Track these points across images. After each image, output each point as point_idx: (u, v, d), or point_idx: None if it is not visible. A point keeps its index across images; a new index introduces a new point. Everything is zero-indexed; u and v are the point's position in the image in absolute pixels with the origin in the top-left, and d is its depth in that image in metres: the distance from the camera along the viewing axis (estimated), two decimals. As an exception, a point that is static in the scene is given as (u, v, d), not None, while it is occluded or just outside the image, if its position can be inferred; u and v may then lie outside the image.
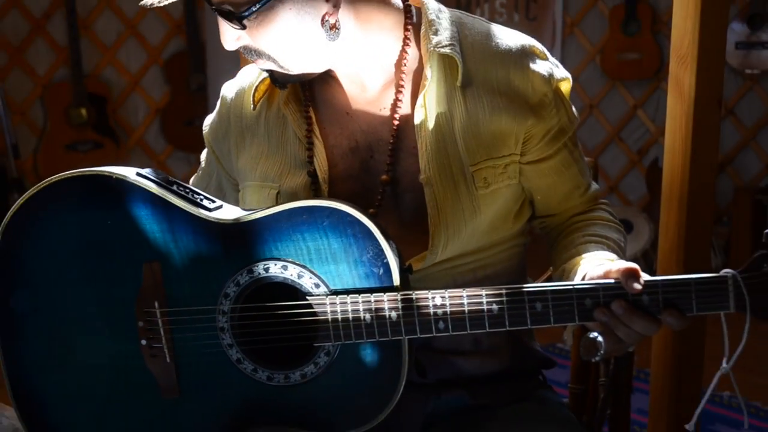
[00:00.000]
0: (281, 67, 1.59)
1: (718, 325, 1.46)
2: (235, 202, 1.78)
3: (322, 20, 1.56)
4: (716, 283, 1.38)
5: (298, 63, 1.60)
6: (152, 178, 1.57)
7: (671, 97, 2.22)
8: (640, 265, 3.79)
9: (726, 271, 1.38)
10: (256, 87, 1.75)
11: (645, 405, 2.38)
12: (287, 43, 1.56)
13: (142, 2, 1.56)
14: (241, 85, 1.84)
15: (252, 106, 1.76)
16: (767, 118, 5.68)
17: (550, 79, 1.69)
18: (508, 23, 5.88)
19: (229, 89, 1.87)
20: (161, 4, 1.59)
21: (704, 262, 2.24)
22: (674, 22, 2.18)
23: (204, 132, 1.94)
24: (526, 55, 1.69)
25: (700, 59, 2.15)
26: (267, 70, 1.63)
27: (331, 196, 1.63)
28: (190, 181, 1.95)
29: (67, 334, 1.60)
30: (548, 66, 1.70)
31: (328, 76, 1.69)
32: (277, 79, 1.63)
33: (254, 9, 1.49)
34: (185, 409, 1.60)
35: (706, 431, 3.49)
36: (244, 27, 1.53)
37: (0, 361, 1.64)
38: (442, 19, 1.67)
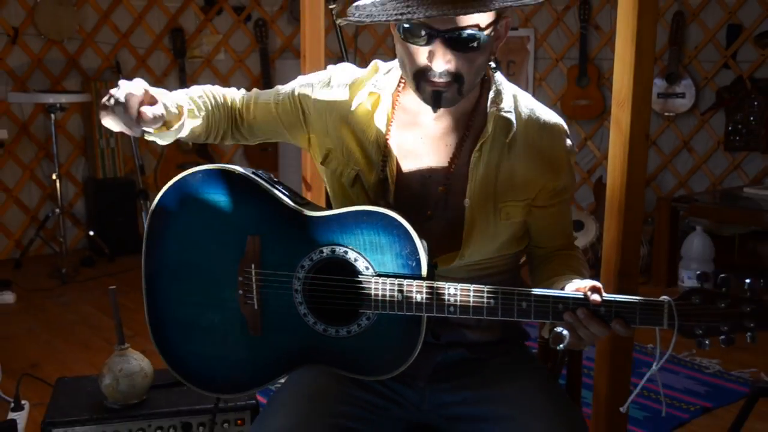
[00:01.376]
0: (462, 92, 1.53)
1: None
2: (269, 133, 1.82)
3: (489, 57, 1.57)
4: (655, 305, 1.39)
5: (472, 88, 1.58)
6: (263, 177, 1.62)
7: (612, 132, 2.22)
8: (588, 255, 3.80)
9: (664, 298, 1.39)
10: (361, 99, 1.65)
11: (592, 354, 2.38)
12: (479, 70, 1.54)
13: (339, 21, 1.49)
14: (354, 79, 1.70)
15: (349, 107, 1.67)
16: (680, 148, 5.69)
17: (569, 151, 1.71)
18: (496, 77, 5.90)
19: (343, 75, 1.72)
20: (363, 22, 1.46)
21: (635, 252, 2.24)
22: (615, 78, 2.19)
23: (297, 89, 1.75)
24: (558, 131, 1.70)
25: (634, 104, 2.15)
26: (436, 92, 1.50)
27: (396, 196, 1.65)
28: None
29: (189, 279, 1.64)
30: (569, 141, 1.72)
31: (419, 107, 1.62)
32: (442, 101, 1.52)
33: (486, 36, 1.47)
34: (263, 344, 1.63)
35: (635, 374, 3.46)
36: (474, 50, 1.46)
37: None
38: (505, 90, 1.66)
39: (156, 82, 5.79)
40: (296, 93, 1.74)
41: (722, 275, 1.38)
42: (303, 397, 1.56)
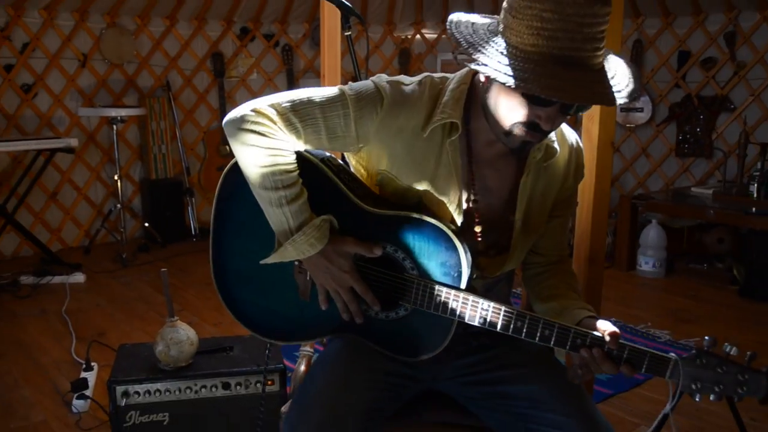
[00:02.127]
0: (548, 140, 1.48)
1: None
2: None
3: None
4: (663, 360, 1.33)
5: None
6: (330, 164, 1.53)
7: (584, 140, 2.21)
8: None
9: (671, 355, 1.33)
10: (436, 124, 1.44)
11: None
12: None
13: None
14: (411, 100, 1.46)
15: (423, 128, 1.45)
16: (639, 154, 5.68)
17: (583, 167, 1.66)
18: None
19: (395, 96, 1.46)
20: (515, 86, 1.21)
21: (602, 241, 2.24)
22: (585, 94, 2.18)
23: (352, 103, 1.44)
24: (580, 149, 1.64)
25: (601, 118, 2.15)
26: (527, 142, 1.38)
27: (466, 214, 1.53)
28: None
29: (253, 238, 1.58)
30: (583, 158, 1.66)
31: (481, 135, 1.49)
32: (528, 146, 1.45)
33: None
34: (310, 308, 1.58)
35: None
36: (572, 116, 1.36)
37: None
38: None
39: (199, 98, 5.84)
40: (354, 124, 1.44)
41: (727, 344, 1.32)
42: (341, 379, 1.50)
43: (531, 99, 1.29)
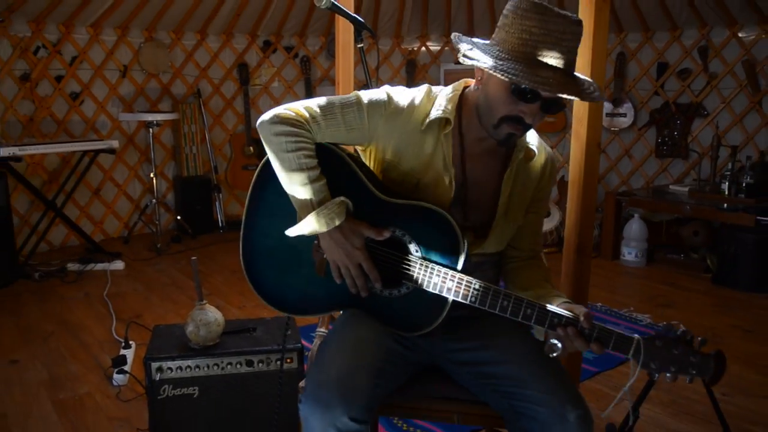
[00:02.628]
0: (529, 144, 1.60)
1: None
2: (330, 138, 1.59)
3: None
4: (628, 339, 1.39)
5: None
6: (355, 160, 1.58)
7: (573, 142, 2.19)
8: (553, 236, 3.78)
9: (635, 336, 1.39)
10: (432, 119, 1.54)
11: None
12: None
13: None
14: (414, 102, 1.57)
15: (422, 123, 1.55)
16: (623, 154, 5.63)
17: (556, 174, 1.77)
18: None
19: (401, 96, 1.58)
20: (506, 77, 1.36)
21: (589, 233, 2.21)
22: (575, 102, 2.15)
23: (364, 103, 1.56)
24: (554, 158, 1.73)
25: (589, 121, 2.13)
26: (512, 134, 1.48)
27: (455, 196, 1.60)
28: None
29: (277, 221, 1.59)
30: (556, 168, 1.74)
31: (472, 132, 1.59)
32: (513, 139, 1.52)
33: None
34: (324, 284, 1.60)
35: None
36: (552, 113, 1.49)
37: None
38: None
39: (226, 104, 5.83)
40: (367, 118, 1.55)
41: (683, 329, 1.39)
42: (349, 346, 1.52)
43: (518, 96, 1.42)
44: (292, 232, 1.53)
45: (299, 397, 1.44)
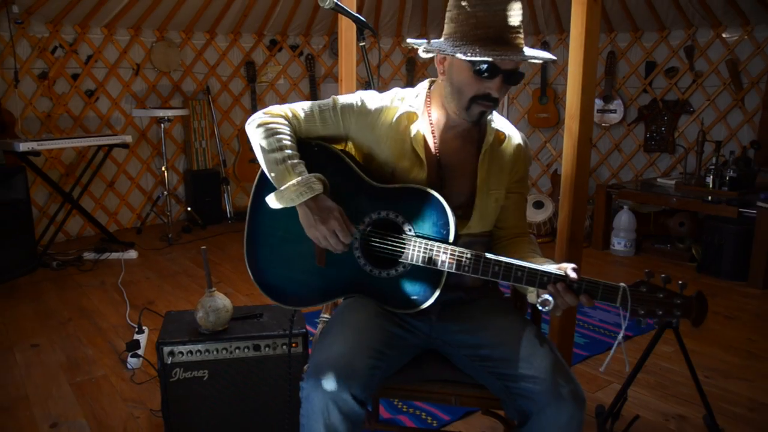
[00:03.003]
0: (498, 128, 1.63)
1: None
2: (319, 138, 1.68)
3: None
4: (614, 288, 1.40)
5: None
6: (348, 155, 1.64)
7: (566, 137, 2.18)
8: (546, 227, 3.76)
9: (621, 284, 1.40)
10: (400, 114, 1.63)
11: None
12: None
13: None
14: (383, 104, 1.65)
15: (392, 120, 1.62)
16: (613, 149, 5.62)
17: (529, 154, 1.75)
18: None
19: (370, 97, 1.66)
20: (447, 53, 1.47)
21: (581, 224, 2.21)
22: (567, 98, 2.15)
23: (339, 103, 1.65)
24: (524, 140, 1.74)
25: (581, 117, 2.12)
26: (483, 112, 1.54)
27: (432, 180, 1.63)
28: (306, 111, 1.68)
29: (278, 218, 1.61)
30: (529, 152, 1.76)
31: (442, 121, 1.64)
32: (483, 118, 1.57)
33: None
34: (325, 273, 1.62)
35: (580, 312, 3.43)
36: (513, 85, 1.53)
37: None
38: (493, 113, 1.68)
39: (234, 100, 5.82)
40: (341, 118, 1.65)
41: (664, 275, 1.40)
42: (350, 328, 1.53)
43: (480, 74, 1.47)
44: (270, 200, 1.55)
45: (302, 376, 1.44)
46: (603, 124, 5.54)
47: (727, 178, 4.32)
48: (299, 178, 1.52)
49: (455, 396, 1.63)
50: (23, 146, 4.10)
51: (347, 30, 2.35)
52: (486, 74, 1.47)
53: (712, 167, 4.41)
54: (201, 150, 5.66)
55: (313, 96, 5.99)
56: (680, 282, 1.39)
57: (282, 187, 1.53)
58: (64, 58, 4.97)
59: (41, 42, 4.82)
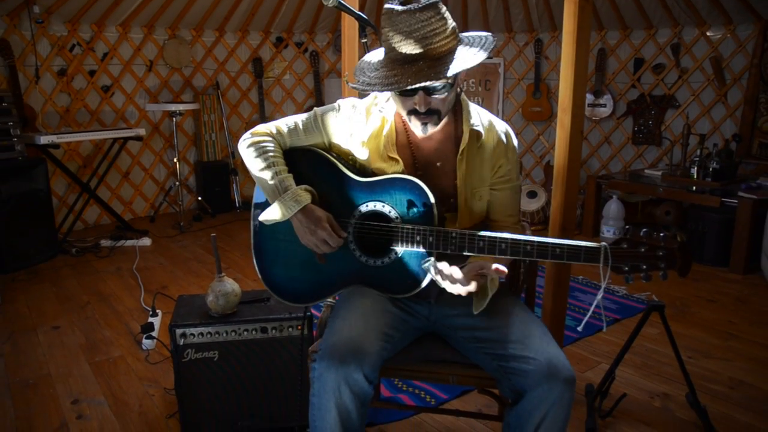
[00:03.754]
0: (440, 120, 1.52)
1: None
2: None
3: (457, 91, 1.56)
4: (595, 249, 1.37)
5: (447, 114, 1.55)
6: (339, 158, 1.66)
7: (558, 130, 2.16)
8: (539, 216, 3.74)
9: (602, 244, 1.37)
10: (373, 117, 1.63)
11: (542, 282, 2.35)
12: (450, 103, 1.52)
13: None
14: (359, 109, 1.65)
15: (365, 122, 1.63)
16: (602, 141, 5.58)
17: (514, 146, 1.68)
18: (477, 92, 5.80)
19: (347, 105, 1.66)
20: (367, 90, 1.45)
21: (573, 212, 2.20)
22: (560, 93, 2.13)
23: (318, 114, 1.67)
24: (507, 134, 1.67)
25: (573, 111, 2.10)
26: (423, 123, 1.50)
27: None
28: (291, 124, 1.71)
29: (279, 228, 1.64)
30: (515, 140, 1.69)
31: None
32: (428, 129, 1.51)
33: (450, 84, 1.46)
34: (326, 269, 1.63)
35: (571, 297, 3.42)
36: (443, 93, 1.46)
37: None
38: (472, 109, 1.63)
39: (242, 95, 5.79)
40: (321, 127, 1.67)
41: (644, 229, 1.35)
42: (357, 312, 1.53)
43: (401, 95, 1.47)
44: (263, 216, 1.58)
45: (312, 357, 1.45)
46: (593, 118, 5.52)
47: (711, 169, 4.31)
48: (286, 193, 1.55)
49: (453, 375, 1.63)
50: (44, 139, 4.09)
51: (350, 27, 2.33)
52: (404, 93, 1.46)
53: (697, 159, 4.40)
54: (211, 142, 5.64)
55: (317, 90, 5.97)
56: (662, 234, 1.35)
57: (272, 204, 1.56)
58: (82, 56, 4.94)
59: (60, 40, 4.79)
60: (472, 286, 1.43)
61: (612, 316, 3.21)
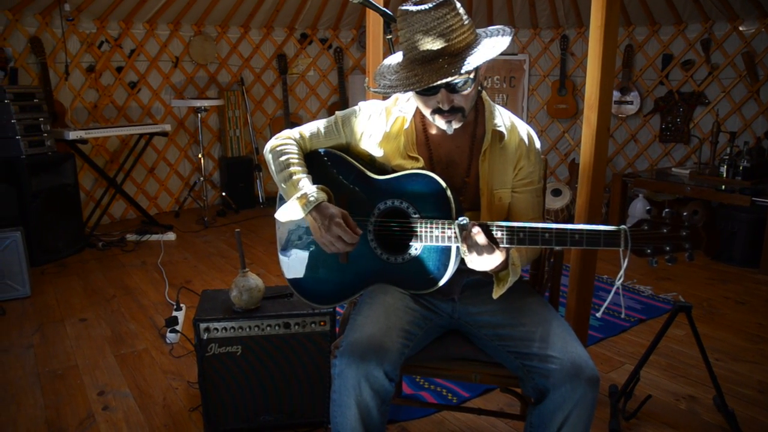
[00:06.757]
0: (464, 117, 1.51)
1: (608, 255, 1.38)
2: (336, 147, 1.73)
3: (478, 88, 1.55)
4: (615, 232, 1.33)
5: (470, 111, 1.55)
6: (356, 157, 1.68)
7: (585, 127, 2.14)
8: (564, 214, 3.68)
9: (621, 227, 1.33)
10: (393, 118, 1.64)
11: (566, 281, 2.32)
12: (472, 99, 1.52)
13: None
14: (379, 110, 1.67)
15: (385, 122, 1.65)
16: (629, 139, 5.51)
17: (537, 149, 1.67)
18: (502, 89, 5.76)
19: (367, 106, 1.70)
20: (388, 93, 1.47)
21: (598, 211, 2.17)
22: (586, 89, 2.10)
23: (339, 117, 1.72)
24: (530, 134, 1.67)
25: (599, 108, 2.07)
26: (448, 121, 1.50)
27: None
28: (315, 129, 1.75)
29: (301, 231, 1.69)
30: (537, 142, 1.68)
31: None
32: (452, 127, 1.51)
33: (472, 79, 1.45)
34: (348, 268, 1.64)
35: (596, 296, 3.39)
36: (465, 89, 1.45)
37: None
38: (495, 109, 1.63)
39: (267, 91, 5.82)
40: (342, 129, 1.70)
41: (666, 209, 1.31)
42: (379, 310, 1.52)
43: (421, 94, 1.48)
44: (278, 214, 1.59)
45: (334, 353, 1.45)
46: (620, 115, 5.45)
47: (741, 167, 4.22)
48: (301, 191, 1.55)
49: (475, 374, 1.63)
50: (72, 135, 4.16)
51: (375, 24, 2.33)
52: (426, 92, 1.46)
53: (726, 157, 4.31)
54: (235, 138, 5.69)
55: (341, 87, 5.98)
56: (684, 213, 1.30)
57: (287, 202, 1.57)
58: (110, 52, 5.02)
59: (89, 37, 4.87)
60: (501, 254, 1.42)
61: (637, 317, 3.17)
